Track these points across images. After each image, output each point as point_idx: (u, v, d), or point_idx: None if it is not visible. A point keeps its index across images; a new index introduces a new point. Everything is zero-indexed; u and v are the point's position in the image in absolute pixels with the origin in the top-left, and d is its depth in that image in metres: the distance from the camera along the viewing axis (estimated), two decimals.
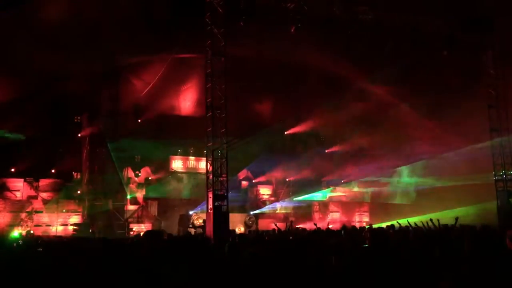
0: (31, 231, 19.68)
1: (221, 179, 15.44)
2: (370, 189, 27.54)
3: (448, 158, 21.88)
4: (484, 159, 20.30)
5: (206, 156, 16.45)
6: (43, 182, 22.58)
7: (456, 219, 10.87)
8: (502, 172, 19.74)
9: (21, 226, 20.16)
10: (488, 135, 19.98)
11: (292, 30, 17.27)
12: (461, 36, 19.24)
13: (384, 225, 17.18)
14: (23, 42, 16.14)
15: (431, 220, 11.06)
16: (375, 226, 17.58)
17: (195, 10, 16.17)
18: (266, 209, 26.11)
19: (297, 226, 18.67)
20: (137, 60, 21.31)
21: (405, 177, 27.13)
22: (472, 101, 19.68)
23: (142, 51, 20.01)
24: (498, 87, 19.91)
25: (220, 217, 15.20)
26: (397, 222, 15.54)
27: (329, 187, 27.85)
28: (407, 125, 23.04)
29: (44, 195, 22.20)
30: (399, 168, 26.60)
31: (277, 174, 28.14)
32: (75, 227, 20.77)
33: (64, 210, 21.66)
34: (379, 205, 26.54)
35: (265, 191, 27.89)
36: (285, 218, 25.85)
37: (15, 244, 10.84)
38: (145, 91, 22.87)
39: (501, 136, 19.78)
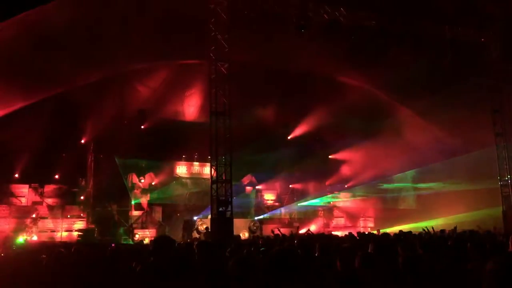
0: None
1: (225, 184, 15.43)
2: (374, 195, 27.42)
3: (453, 163, 21.77)
4: (489, 163, 20.18)
5: (210, 162, 16.45)
6: (48, 188, 22.70)
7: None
8: (507, 177, 19.64)
9: (26, 232, 20.22)
10: (493, 140, 19.92)
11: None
12: (465, 40, 19.24)
13: (389, 230, 17.16)
14: (26, 48, 16.22)
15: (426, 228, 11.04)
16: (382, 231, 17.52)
17: (199, 16, 16.26)
18: (270, 214, 26.08)
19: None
20: (141, 66, 21.40)
21: (409, 182, 27.02)
22: (476, 105, 19.63)
23: (146, 57, 20.09)
24: (503, 91, 19.86)
25: (224, 222, 15.20)
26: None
27: (333, 192, 27.79)
28: (410, 130, 22.96)
29: (49, 201, 22.30)
30: (403, 173, 26.49)
31: (281, 180, 28.15)
32: (79, 233, 20.79)
33: (68, 216, 21.72)
34: (384, 210, 26.41)
35: (269, 197, 27.89)
36: (289, 223, 25.81)
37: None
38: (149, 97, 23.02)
39: (506, 141, 19.69)
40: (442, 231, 11.74)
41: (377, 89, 23.67)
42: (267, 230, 22.77)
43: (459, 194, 21.69)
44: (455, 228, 11.55)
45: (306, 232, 16.26)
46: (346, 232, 15.35)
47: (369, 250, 5.37)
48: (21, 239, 19.36)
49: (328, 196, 27.58)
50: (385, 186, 27.39)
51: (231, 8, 16.05)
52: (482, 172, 20.66)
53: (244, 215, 24.37)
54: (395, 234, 12.13)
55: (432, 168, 23.35)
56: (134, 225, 22.06)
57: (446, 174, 23.02)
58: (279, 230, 14.72)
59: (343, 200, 28.03)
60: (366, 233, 16.08)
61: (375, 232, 18.38)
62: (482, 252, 5.08)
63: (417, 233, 11.83)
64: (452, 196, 22.00)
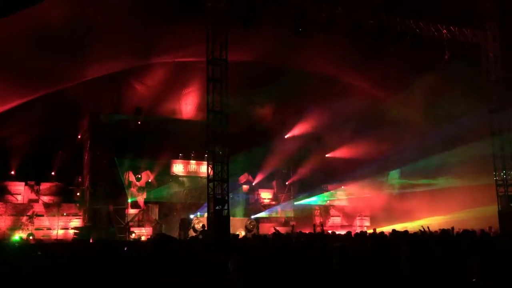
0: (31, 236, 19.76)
1: (222, 183, 15.43)
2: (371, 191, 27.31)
3: (450, 157, 21.62)
4: (484, 159, 20.13)
5: (207, 160, 16.45)
6: (44, 186, 22.64)
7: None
8: (503, 173, 19.61)
9: (22, 229, 20.18)
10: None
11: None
12: (462, 40, 19.30)
13: (385, 229, 17.14)
14: (23, 46, 16.16)
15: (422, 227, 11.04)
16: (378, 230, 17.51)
17: (197, 14, 16.23)
18: (267, 213, 26.11)
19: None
20: (138, 64, 21.35)
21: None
22: (473, 105, 19.70)
23: (143, 54, 20.05)
24: (499, 91, 19.92)
25: (220, 221, 15.21)
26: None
27: (328, 191, 27.83)
28: (406, 128, 22.99)
29: (45, 198, 22.24)
30: (401, 170, 26.39)
31: (278, 178, 28.19)
32: (75, 231, 20.77)
33: (65, 214, 21.68)
34: (380, 209, 26.40)
35: (266, 195, 27.93)
36: (286, 222, 25.87)
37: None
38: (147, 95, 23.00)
39: (502, 140, 19.72)
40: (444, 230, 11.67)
41: (373, 87, 23.70)
42: (264, 228, 22.86)
43: (458, 190, 21.56)
44: (452, 228, 11.53)
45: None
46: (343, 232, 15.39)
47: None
48: (17, 236, 19.33)
49: (325, 194, 27.61)
50: (382, 182, 27.27)
51: (228, 6, 16.03)
52: (480, 167, 20.52)
53: (240, 213, 24.43)
54: (389, 234, 12.14)
55: (429, 163, 23.14)
56: (131, 223, 22.04)
57: (444, 169, 22.84)
58: (275, 229, 14.75)
59: (339, 198, 28.07)
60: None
61: (371, 231, 18.39)
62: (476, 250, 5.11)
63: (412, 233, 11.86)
64: (452, 192, 21.86)
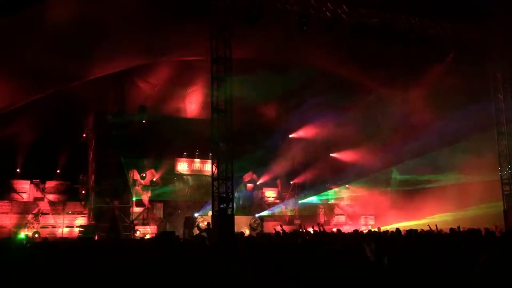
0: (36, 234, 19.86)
1: (226, 181, 15.42)
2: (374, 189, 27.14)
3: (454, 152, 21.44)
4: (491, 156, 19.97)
5: (212, 159, 16.45)
6: (50, 184, 22.77)
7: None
8: (508, 168, 19.47)
9: (28, 227, 20.27)
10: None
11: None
12: (468, 38, 19.19)
13: (389, 227, 17.09)
14: (28, 45, 16.21)
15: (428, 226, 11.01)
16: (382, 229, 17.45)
17: (201, 13, 16.21)
18: (271, 211, 26.09)
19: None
20: (142, 62, 21.38)
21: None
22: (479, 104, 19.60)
23: (147, 53, 20.08)
24: (506, 90, 19.81)
25: (225, 219, 15.21)
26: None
27: (333, 190, 27.75)
28: (412, 125, 22.90)
29: (50, 197, 22.35)
30: (404, 166, 26.22)
31: (282, 177, 28.17)
32: (80, 229, 20.84)
33: (70, 212, 21.77)
34: (385, 208, 26.29)
35: (270, 194, 27.92)
36: (290, 220, 25.85)
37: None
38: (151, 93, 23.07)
39: (508, 139, 19.61)
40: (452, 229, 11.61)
41: (378, 84, 23.63)
42: (268, 227, 22.82)
43: (464, 187, 21.37)
44: (458, 227, 11.47)
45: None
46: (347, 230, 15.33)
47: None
48: (22, 234, 19.42)
49: (329, 193, 27.54)
50: (386, 180, 27.08)
51: (232, 5, 16.00)
52: (487, 163, 20.34)
53: (245, 212, 24.41)
54: (393, 232, 12.08)
55: (434, 158, 22.90)
56: (135, 222, 22.11)
57: (449, 165, 22.64)
58: (281, 227, 14.68)
59: (343, 197, 28.00)
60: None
61: (375, 229, 18.29)
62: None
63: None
64: (457, 189, 21.66)
